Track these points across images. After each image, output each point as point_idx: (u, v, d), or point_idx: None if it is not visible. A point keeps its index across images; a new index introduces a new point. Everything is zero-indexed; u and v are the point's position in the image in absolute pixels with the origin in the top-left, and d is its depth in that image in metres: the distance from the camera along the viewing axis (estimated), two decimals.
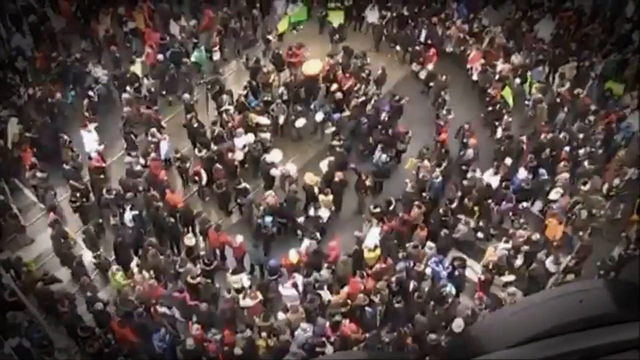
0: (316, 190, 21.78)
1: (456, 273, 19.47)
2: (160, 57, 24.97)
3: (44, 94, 23.53)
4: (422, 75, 25.31)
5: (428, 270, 19.55)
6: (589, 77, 24.68)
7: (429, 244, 20.10)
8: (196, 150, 22.36)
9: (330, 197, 21.50)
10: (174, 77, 24.91)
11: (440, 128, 23.05)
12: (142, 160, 22.37)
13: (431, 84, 24.76)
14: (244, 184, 21.56)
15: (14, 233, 21.18)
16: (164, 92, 24.98)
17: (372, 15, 27.18)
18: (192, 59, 25.72)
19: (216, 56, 26.03)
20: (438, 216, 20.80)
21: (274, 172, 22.28)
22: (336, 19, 27.49)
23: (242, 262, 20.86)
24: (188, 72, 25.14)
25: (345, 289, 19.04)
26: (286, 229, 21.72)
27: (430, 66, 25.10)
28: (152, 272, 19.56)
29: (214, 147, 22.02)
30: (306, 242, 20.28)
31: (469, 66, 25.27)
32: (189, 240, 20.42)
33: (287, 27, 27.39)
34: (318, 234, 20.58)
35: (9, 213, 21.19)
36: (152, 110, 23.19)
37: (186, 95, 23.47)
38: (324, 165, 22.30)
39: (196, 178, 21.94)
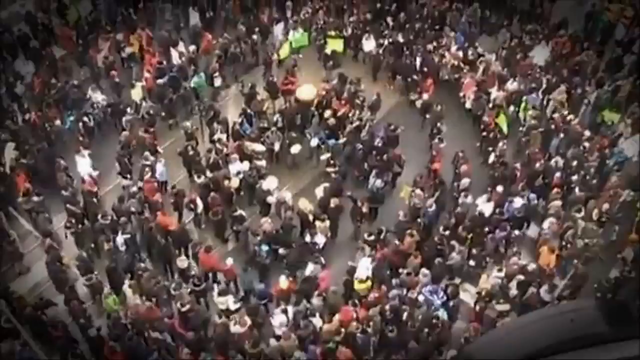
0: (311, 216, 21.56)
1: (450, 303, 19.09)
2: (160, 81, 25.05)
3: (41, 120, 23.44)
4: (419, 104, 25.08)
5: (421, 298, 19.13)
6: (581, 104, 24.52)
7: (423, 270, 19.71)
8: (195, 177, 22.43)
9: (327, 223, 21.34)
10: (172, 101, 24.98)
11: (433, 157, 22.85)
12: (138, 183, 22.13)
13: (427, 114, 24.47)
14: (239, 211, 21.50)
15: (11, 261, 20.88)
16: (162, 114, 24.86)
17: (368, 44, 27.13)
18: (192, 84, 25.79)
19: (217, 82, 26.10)
20: (432, 244, 20.43)
21: (270, 199, 22.11)
22: (335, 46, 27.59)
23: (236, 285, 20.60)
24: (186, 96, 25.37)
25: (338, 317, 18.59)
26: (282, 255, 21.12)
27: (426, 96, 24.90)
28: (144, 296, 19.38)
29: (209, 174, 22.09)
30: (310, 267, 19.95)
31: (462, 94, 25.18)
32: (182, 262, 20.17)
33: (289, 53, 27.43)
34: (322, 259, 20.26)
35: (6, 240, 20.91)
36: (149, 135, 23.41)
37: (187, 124, 23.40)
38: (319, 192, 22.12)
39: (192, 206, 21.73)
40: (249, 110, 24.18)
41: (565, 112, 24.03)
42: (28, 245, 21.55)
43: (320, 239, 21.25)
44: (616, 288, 19.33)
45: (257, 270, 20.85)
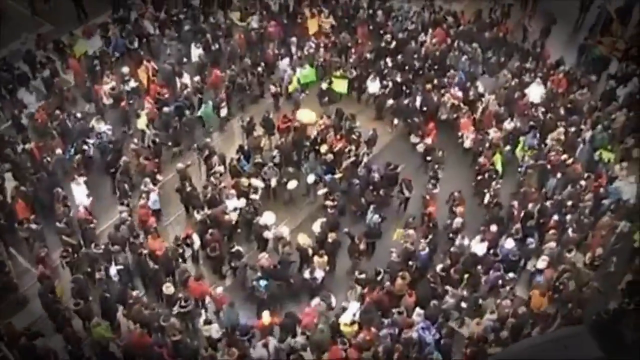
0: (310, 251, 21.21)
1: (442, 342, 18.61)
2: (166, 109, 25.03)
3: (42, 150, 23.25)
4: (420, 148, 24.63)
5: (414, 335, 18.59)
6: (578, 142, 24.30)
7: (417, 310, 19.20)
8: (194, 213, 22.41)
9: (325, 258, 20.96)
10: (176, 129, 24.97)
11: (427, 202, 22.39)
12: (129, 209, 21.98)
13: (428, 157, 24.10)
14: (237, 247, 21.42)
15: (5, 291, 20.55)
16: (169, 143, 24.89)
17: (373, 86, 26.93)
18: (199, 113, 25.81)
19: (223, 112, 26.17)
20: (426, 285, 20.00)
21: (267, 234, 21.77)
22: (340, 87, 27.37)
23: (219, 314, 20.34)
24: (190, 124, 25.35)
25: (326, 356, 18.15)
26: (281, 291, 21.02)
27: (429, 140, 24.51)
28: (137, 324, 19.13)
29: (207, 210, 22.06)
30: (316, 300, 19.64)
31: (460, 133, 24.99)
32: (168, 289, 19.74)
33: (296, 88, 27.19)
34: (333, 298, 19.81)
35: (2, 271, 20.62)
36: (151, 162, 23.52)
37: (180, 165, 23.00)
38: (316, 227, 21.72)
39: (188, 241, 21.66)
40: (245, 147, 24.39)
41: (562, 151, 23.70)
42: (27, 282, 21.04)
43: (319, 274, 20.89)
44: (615, 320, 19.01)
45: (249, 306, 20.61)
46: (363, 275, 20.26)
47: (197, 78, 26.06)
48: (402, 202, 23.71)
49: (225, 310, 20.04)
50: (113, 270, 20.46)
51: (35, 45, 28.36)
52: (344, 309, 19.47)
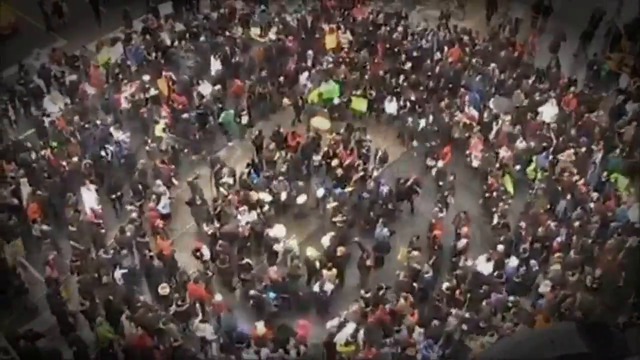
0: (318, 264, 21.04)
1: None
2: (185, 115, 25.29)
3: (58, 156, 23.39)
4: (434, 172, 24.24)
5: (419, 357, 18.31)
6: (589, 164, 24.00)
7: (418, 329, 18.95)
8: (204, 226, 22.49)
9: (334, 271, 20.76)
10: (196, 137, 25.17)
11: (433, 225, 21.98)
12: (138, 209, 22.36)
13: (440, 182, 23.79)
14: (246, 260, 21.47)
15: (16, 295, 20.68)
16: (186, 150, 25.17)
17: (390, 107, 26.79)
18: (220, 120, 26.06)
19: (244, 120, 26.19)
20: (429, 306, 19.81)
21: (277, 247, 21.57)
22: (359, 106, 27.11)
23: (219, 320, 20.00)
24: (211, 132, 25.87)
25: None
26: (289, 303, 21.01)
27: (441, 163, 24.11)
28: (140, 326, 18.94)
29: (216, 224, 22.16)
30: (334, 321, 19.26)
31: (468, 152, 24.70)
32: (163, 289, 19.66)
33: (318, 100, 27.10)
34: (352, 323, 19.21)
35: (14, 274, 20.76)
36: (167, 167, 23.70)
37: (189, 178, 23.08)
38: (325, 241, 21.46)
39: (197, 254, 21.66)
40: (256, 160, 24.51)
41: (574, 173, 23.35)
42: (38, 292, 20.91)
43: (328, 287, 20.59)
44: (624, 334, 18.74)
45: (253, 316, 20.29)
46: (368, 294, 19.94)
47: (217, 87, 26.30)
48: (411, 203, 23.81)
49: (223, 316, 19.83)
50: (118, 273, 20.65)
51: (50, 59, 28.48)
52: (340, 328, 19.01)
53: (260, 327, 19.09)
